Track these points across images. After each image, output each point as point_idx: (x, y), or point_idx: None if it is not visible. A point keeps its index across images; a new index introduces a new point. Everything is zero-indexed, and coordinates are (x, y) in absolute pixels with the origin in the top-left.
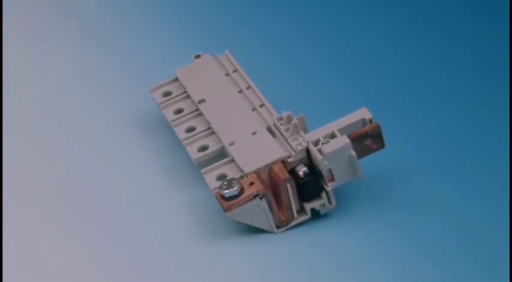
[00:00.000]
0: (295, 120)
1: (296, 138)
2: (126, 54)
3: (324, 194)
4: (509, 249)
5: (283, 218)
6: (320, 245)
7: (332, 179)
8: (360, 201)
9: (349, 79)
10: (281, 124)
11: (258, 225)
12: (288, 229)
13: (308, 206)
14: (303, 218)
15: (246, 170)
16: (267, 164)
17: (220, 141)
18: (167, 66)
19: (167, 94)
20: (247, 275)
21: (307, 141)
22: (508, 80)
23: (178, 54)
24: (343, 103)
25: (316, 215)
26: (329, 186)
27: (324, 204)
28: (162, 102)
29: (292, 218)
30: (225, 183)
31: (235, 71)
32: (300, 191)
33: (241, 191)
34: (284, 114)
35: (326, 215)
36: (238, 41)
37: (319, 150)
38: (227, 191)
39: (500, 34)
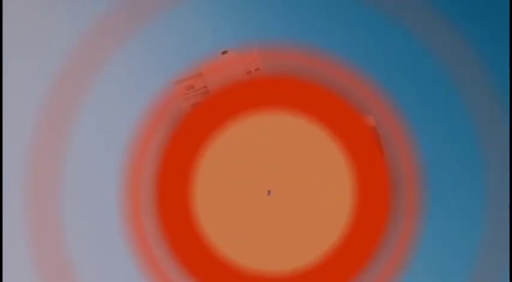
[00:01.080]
0: None
1: None
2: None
3: None
4: (509, 249)
5: None
6: None
7: None
8: None
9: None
10: None
11: None
12: None
13: None
14: None
15: None
16: None
17: None
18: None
19: (190, 87)
20: None
21: None
22: (509, 81)
23: (211, 47)
24: None
25: None
26: None
27: None
28: (182, 95)
29: None
30: None
31: (257, 69)
32: None
33: None
34: None
35: None
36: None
37: None
38: None
39: (500, 35)
